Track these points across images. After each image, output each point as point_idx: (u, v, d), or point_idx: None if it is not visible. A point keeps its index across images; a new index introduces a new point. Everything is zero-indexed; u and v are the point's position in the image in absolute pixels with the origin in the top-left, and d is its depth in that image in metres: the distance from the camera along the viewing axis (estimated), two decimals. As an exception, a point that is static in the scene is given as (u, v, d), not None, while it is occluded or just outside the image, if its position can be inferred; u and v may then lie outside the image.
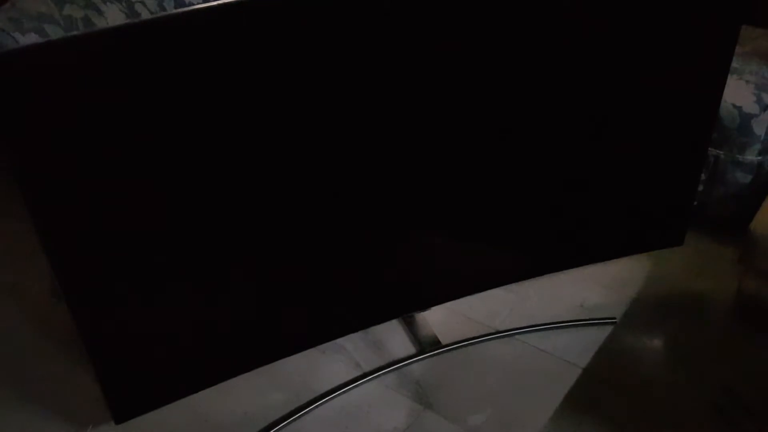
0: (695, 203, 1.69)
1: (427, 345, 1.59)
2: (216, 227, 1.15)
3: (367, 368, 1.55)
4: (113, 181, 1.02)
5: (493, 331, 1.63)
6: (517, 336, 1.62)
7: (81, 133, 0.96)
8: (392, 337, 1.63)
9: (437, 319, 1.65)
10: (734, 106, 1.71)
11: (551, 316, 1.66)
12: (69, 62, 0.92)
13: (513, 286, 1.61)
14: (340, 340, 1.57)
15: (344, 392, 1.50)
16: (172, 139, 1.03)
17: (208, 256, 1.18)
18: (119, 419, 1.21)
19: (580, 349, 1.58)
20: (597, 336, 1.61)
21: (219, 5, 0.95)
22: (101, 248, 1.07)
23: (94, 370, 1.17)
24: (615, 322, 1.65)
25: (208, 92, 1.02)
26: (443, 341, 1.59)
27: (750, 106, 1.71)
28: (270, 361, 1.36)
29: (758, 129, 1.71)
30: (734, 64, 1.46)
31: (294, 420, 1.43)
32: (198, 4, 1.01)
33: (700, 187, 1.79)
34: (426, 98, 1.19)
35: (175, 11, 1.00)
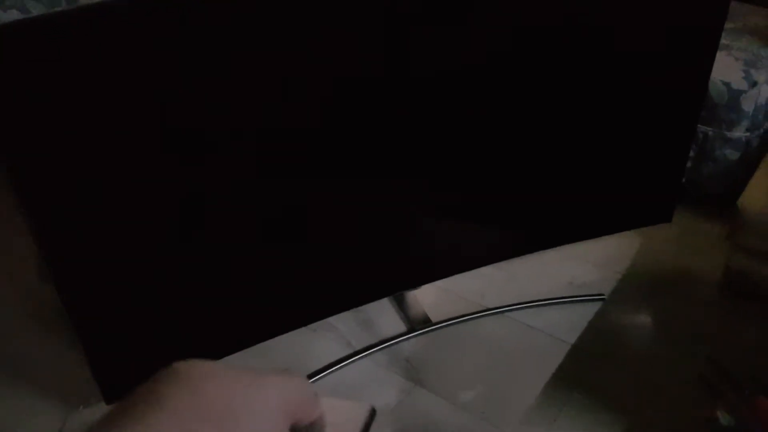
0: (684, 180, 1.69)
1: (418, 323, 1.59)
2: (205, 205, 1.15)
3: (358, 346, 1.56)
4: (100, 160, 1.01)
5: (483, 308, 1.64)
6: (507, 313, 1.63)
7: (64, 112, 0.95)
8: (383, 315, 1.64)
9: (428, 298, 1.66)
10: (723, 82, 1.71)
11: (541, 293, 1.67)
12: (52, 40, 0.90)
13: (503, 264, 1.61)
14: (331, 319, 1.58)
15: (335, 370, 1.50)
16: (160, 116, 1.02)
17: (197, 234, 1.17)
18: (109, 399, 1.21)
19: (569, 325, 1.59)
20: (586, 312, 1.63)
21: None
22: (87, 227, 1.06)
23: (84, 349, 1.16)
24: (604, 298, 1.66)
25: (204, 70, 1.01)
26: (434, 319, 1.60)
27: (739, 82, 1.71)
28: (261, 340, 1.36)
29: (747, 105, 1.72)
30: (723, 40, 1.46)
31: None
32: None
33: (689, 164, 1.80)
34: (417, 76, 1.18)
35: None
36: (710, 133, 1.77)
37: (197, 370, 0.35)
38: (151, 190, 1.09)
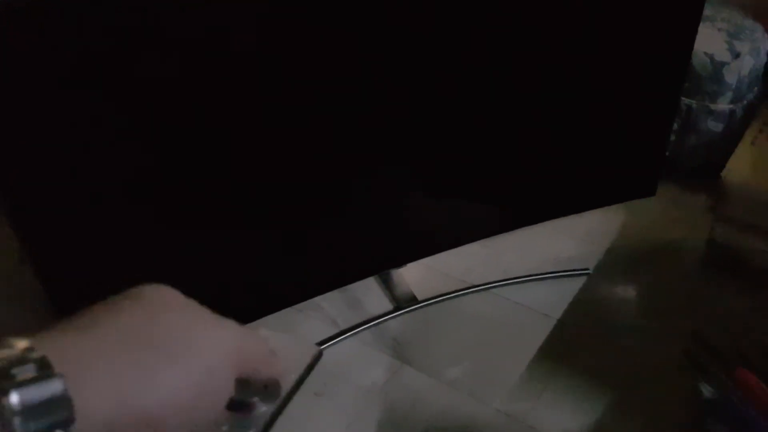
0: (667, 153, 1.69)
1: (404, 301, 1.60)
2: (187, 184, 1.13)
3: (345, 326, 1.56)
4: (67, 139, 0.99)
5: (468, 285, 1.64)
6: (492, 290, 1.63)
7: (42, 94, 0.93)
8: (369, 294, 1.64)
9: (413, 276, 1.66)
10: (706, 54, 1.70)
11: (526, 269, 1.67)
12: (29, 25, 0.88)
13: (488, 241, 1.61)
14: (316, 299, 1.57)
15: (322, 350, 1.50)
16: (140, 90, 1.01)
17: (179, 214, 1.16)
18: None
19: (554, 300, 1.59)
20: (571, 287, 1.63)
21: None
22: (62, 207, 1.04)
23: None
24: (589, 273, 1.66)
25: (193, 46, 0.99)
26: (419, 297, 1.60)
27: (722, 53, 1.70)
28: (247, 322, 1.35)
29: (730, 77, 1.71)
30: (706, 11, 1.45)
31: (272, 379, 1.44)
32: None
33: (673, 137, 1.80)
34: (399, 53, 1.17)
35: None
36: (694, 105, 1.76)
37: (161, 297, 0.36)
38: (126, 167, 1.07)
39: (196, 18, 0.98)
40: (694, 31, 1.39)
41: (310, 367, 0.40)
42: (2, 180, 0.97)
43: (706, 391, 1.04)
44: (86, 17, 0.91)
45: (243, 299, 1.34)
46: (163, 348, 0.34)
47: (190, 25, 0.99)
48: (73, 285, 1.14)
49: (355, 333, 1.54)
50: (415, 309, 1.58)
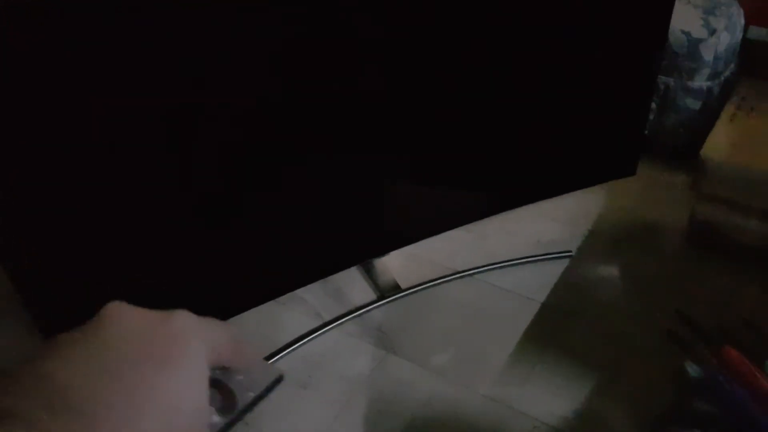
0: (646, 132, 1.69)
1: (387, 290, 1.58)
2: (168, 175, 1.11)
3: (328, 317, 1.55)
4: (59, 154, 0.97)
5: (451, 272, 1.63)
6: (476, 275, 1.63)
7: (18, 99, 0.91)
8: (352, 284, 1.63)
9: (396, 264, 1.64)
10: (682, 31, 1.70)
11: (509, 253, 1.67)
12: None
13: (470, 226, 1.60)
14: (299, 291, 1.55)
15: (306, 342, 1.49)
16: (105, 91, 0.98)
17: (160, 206, 1.14)
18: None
19: (538, 284, 1.59)
20: (554, 270, 1.63)
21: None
22: (34, 209, 1.02)
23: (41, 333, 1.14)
24: (571, 255, 1.66)
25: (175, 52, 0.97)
26: (403, 285, 1.59)
27: (698, 30, 1.70)
28: (230, 316, 1.34)
29: (706, 54, 1.71)
30: (681, -12, 1.44)
31: (257, 373, 1.42)
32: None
33: (651, 116, 1.80)
34: (379, 43, 1.16)
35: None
36: (671, 83, 1.76)
37: (132, 314, 0.36)
38: (102, 167, 1.05)
39: (191, 18, 0.96)
40: (670, 8, 1.38)
41: (269, 388, 0.41)
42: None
43: (692, 370, 1.04)
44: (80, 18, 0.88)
45: (224, 294, 1.32)
46: (151, 363, 0.34)
47: (182, 24, 0.96)
48: (49, 290, 1.12)
49: (339, 324, 1.53)
50: (399, 297, 1.58)
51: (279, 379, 0.42)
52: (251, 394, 0.41)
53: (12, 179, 0.97)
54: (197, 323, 0.38)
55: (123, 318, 0.36)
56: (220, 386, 0.40)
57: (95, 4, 0.90)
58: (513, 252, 1.67)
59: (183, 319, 0.37)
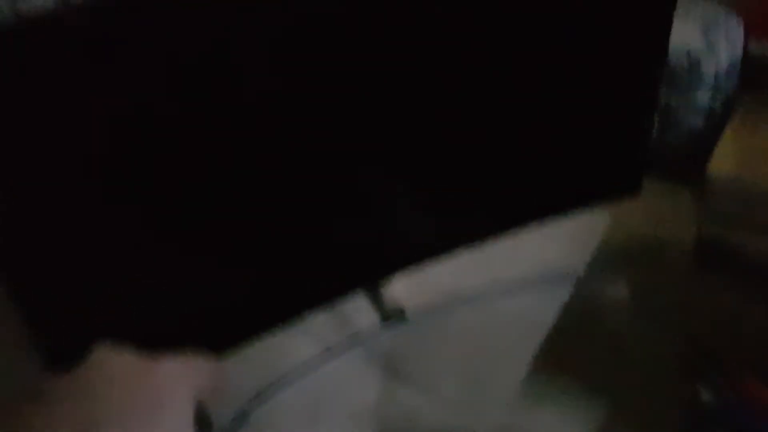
0: (650, 150, 1.68)
1: (393, 317, 1.57)
2: (164, 204, 1.10)
3: (334, 346, 1.53)
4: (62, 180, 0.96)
5: (458, 296, 1.62)
6: (482, 299, 1.61)
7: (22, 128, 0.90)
8: (357, 311, 1.61)
9: (402, 290, 1.63)
10: (682, 48, 1.69)
11: (514, 275, 1.65)
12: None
13: (475, 250, 1.59)
14: (304, 319, 1.54)
15: (312, 371, 1.48)
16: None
17: (156, 237, 1.13)
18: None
19: (545, 307, 1.57)
20: (561, 292, 1.61)
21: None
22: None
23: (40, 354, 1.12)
24: (577, 276, 1.64)
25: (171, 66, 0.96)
26: (409, 311, 1.58)
27: (698, 47, 1.69)
28: (233, 347, 1.32)
29: (707, 70, 1.70)
30: (680, 5, 1.44)
31: (263, 404, 1.41)
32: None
33: (654, 134, 1.79)
34: (378, 58, 1.15)
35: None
36: (672, 101, 1.75)
37: (119, 362, 0.37)
38: (107, 188, 1.04)
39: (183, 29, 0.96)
40: (669, 25, 1.38)
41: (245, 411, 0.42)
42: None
43: (705, 395, 1.02)
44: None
45: (227, 324, 1.31)
46: (140, 410, 0.35)
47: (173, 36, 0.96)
48: (49, 309, 1.11)
49: (344, 352, 1.51)
50: (405, 324, 1.56)
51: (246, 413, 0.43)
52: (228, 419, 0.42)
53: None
54: (182, 371, 0.39)
55: (110, 365, 0.36)
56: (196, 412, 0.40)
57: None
58: (518, 275, 1.66)
59: (169, 368, 0.38)
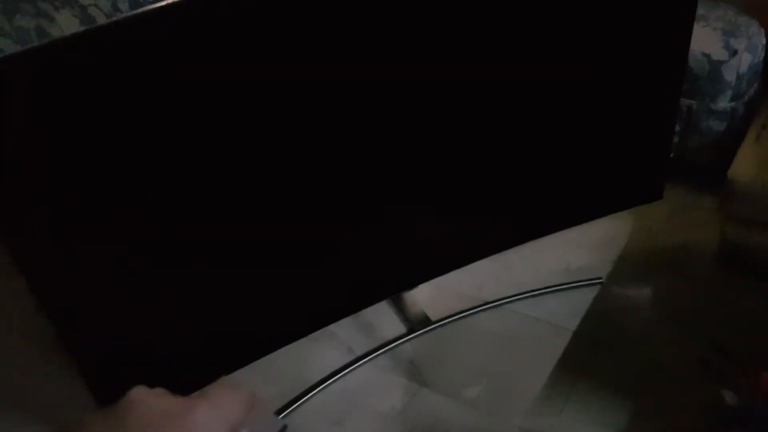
0: (672, 155, 1.69)
1: (417, 323, 1.59)
2: (197, 219, 1.13)
3: (360, 352, 1.55)
4: (84, 187, 1.00)
5: (481, 302, 1.63)
6: (505, 305, 1.63)
7: (41, 146, 0.94)
8: (382, 318, 1.63)
9: (425, 296, 1.65)
10: (703, 54, 1.70)
11: (538, 282, 1.67)
12: (27, 75, 0.89)
13: (497, 256, 1.60)
14: (330, 327, 1.57)
15: (339, 378, 1.50)
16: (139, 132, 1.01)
17: (190, 252, 1.16)
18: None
19: (568, 312, 1.58)
20: (585, 297, 1.62)
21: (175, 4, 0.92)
22: (74, 250, 1.05)
23: (82, 376, 1.16)
24: (601, 281, 1.65)
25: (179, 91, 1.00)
26: (433, 318, 1.59)
27: (719, 52, 1.70)
28: (263, 355, 1.35)
29: (728, 75, 1.70)
30: (699, 10, 1.44)
31: (291, 411, 1.43)
32: (152, 3, 0.98)
33: (676, 139, 1.79)
34: (401, 69, 1.17)
35: (132, 12, 0.96)
36: (694, 106, 1.76)
37: (155, 405, 0.38)
38: (136, 209, 1.07)
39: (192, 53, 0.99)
40: (689, 31, 1.38)
41: None
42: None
43: (728, 397, 1.02)
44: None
45: (258, 333, 1.34)
46: None
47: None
48: (90, 333, 1.14)
49: (370, 359, 1.53)
50: (430, 330, 1.58)
51: (283, 429, 0.43)
52: None
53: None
54: (216, 414, 0.39)
55: (145, 408, 0.37)
56: None
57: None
58: (541, 280, 1.67)
59: (203, 412, 0.38)
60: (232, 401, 0.41)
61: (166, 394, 0.39)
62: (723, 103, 1.74)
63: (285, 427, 0.43)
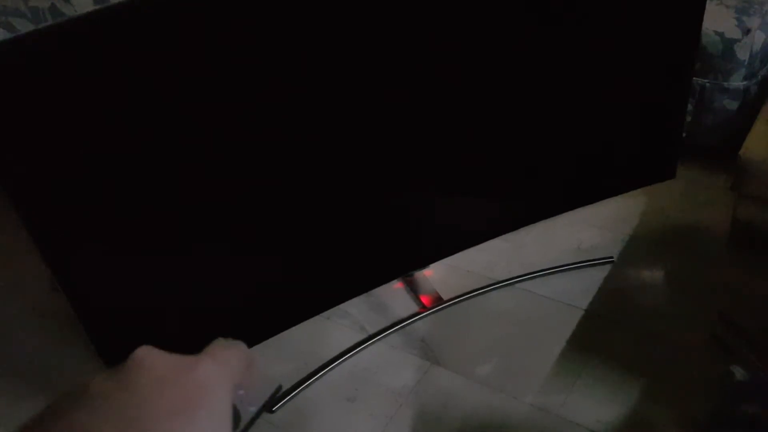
0: (684, 134, 1.68)
1: (429, 302, 1.60)
2: (211, 199, 1.14)
3: (373, 330, 1.57)
4: (91, 165, 1.01)
5: (492, 281, 1.64)
6: (517, 284, 1.64)
7: (57, 126, 0.95)
8: (395, 297, 1.65)
9: (437, 276, 1.66)
10: (716, 32, 1.69)
11: (549, 261, 1.67)
12: (43, 56, 0.90)
13: (509, 235, 1.61)
14: (343, 305, 1.58)
15: (352, 356, 1.52)
16: (156, 119, 1.02)
17: (206, 229, 1.17)
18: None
19: (580, 291, 1.59)
20: (596, 276, 1.63)
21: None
22: (87, 231, 1.07)
23: (98, 354, 1.18)
24: (612, 260, 1.66)
25: (194, 71, 1.01)
26: (445, 297, 1.61)
27: (732, 31, 1.69)
28: (277, 333, 1.37)
29: (741, 54, 1.70)
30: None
31: (304, 388, 1.45)
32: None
33: (688, 118, 1.79)
34: (414, 49, 1.17)
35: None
36: (707, 84, 1.75)
37: (161, 362, 0.38)
38: (152, 189, 1.09)
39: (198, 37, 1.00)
40: (702, 9, 1.38)
41: (270, 400, 0.44)
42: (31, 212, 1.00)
43: (738, 373, 1.03)
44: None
45: (271, 310, 1.36)
46: (182, 414, 0.36)
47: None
48: (106, 310, 1.16)
49: (383, 337, 1.55)
50: (441, 309, 1.59)
51: (278, 390, 0.44)
52: (253, 409, 0.43)
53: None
54: (221, 369, 0.39)
55: (151, 366, 0.38)
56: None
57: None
58: (552, 260, 1.68)
59: (208, 368, 0.39)
60: (235, 357, 0.41)
61: (171, 352, 0.40)
62: (736, 82, 1.73)
63: (280, 386, 0.44)
